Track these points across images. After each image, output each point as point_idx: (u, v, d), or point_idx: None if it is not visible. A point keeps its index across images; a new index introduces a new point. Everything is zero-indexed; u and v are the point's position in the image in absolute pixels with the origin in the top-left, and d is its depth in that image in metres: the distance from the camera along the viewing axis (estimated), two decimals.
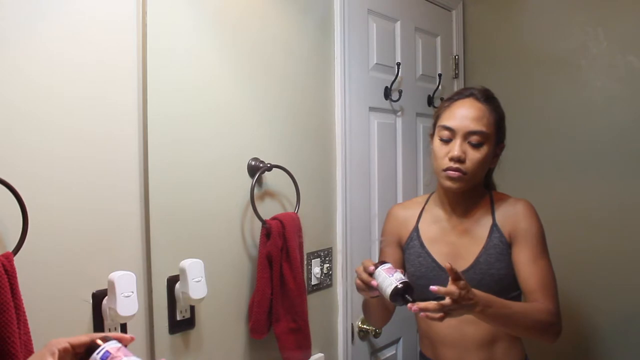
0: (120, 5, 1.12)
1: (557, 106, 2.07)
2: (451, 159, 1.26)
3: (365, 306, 1.45)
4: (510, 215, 1.32)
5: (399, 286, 1.13)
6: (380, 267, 1.18)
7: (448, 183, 1.29)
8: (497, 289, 1.27)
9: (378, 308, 1.38)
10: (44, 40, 0.99)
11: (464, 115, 1.29)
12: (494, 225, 1.32)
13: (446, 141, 1.29)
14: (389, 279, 1.15)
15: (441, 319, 1.08)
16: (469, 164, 1.27)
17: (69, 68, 1.03)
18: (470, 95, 1.32)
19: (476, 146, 1.27)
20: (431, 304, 1.07)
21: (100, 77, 1.08)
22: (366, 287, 1.20)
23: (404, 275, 1.18)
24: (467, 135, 1.27)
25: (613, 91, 1.99)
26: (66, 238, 1.02)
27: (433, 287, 1.08)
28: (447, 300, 1.07)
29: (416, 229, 1.39)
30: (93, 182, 1.07)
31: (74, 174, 1.04)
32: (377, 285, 1.17)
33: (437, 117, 1.36)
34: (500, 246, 1.29)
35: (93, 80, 1.07)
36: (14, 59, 0.96)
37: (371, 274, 1.19)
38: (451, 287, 1.07)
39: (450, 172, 1.27)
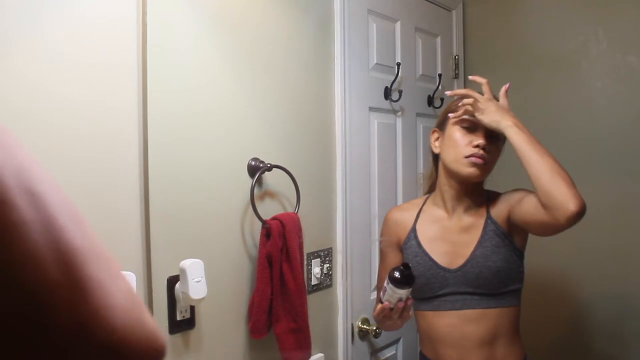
0: (120, 5, 1.12)
1: (557, 106, 2.07)
2: (477, 146, 1.29)
3: (381, 323, 1.42)
4: (501, 202, 1.35)
5: (396, 275, 1.20)
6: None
7: (470, 169, 1.29)
8: (495, 282, 1.28)
9: (396, 324, 1.37)
10: (44, 40, 1.00)
11: None
12: (489, 217, 1.33)
13: (469, 129, 1.31)
14: (387, 285, 1.22)
15: (471, 109, 1.28)
16: (490, 155, 1.30)
17: (69, 68, 1.03)
18: None
19: (496, 140, 1.31)
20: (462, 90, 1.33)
21: (100, 77, 1.08)
22: (387, 312, 1.24)
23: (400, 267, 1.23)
24: (489, 129, 1.30)
25: (613, 91, 1.98)
26: None
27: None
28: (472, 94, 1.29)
29: (413, 230, 1.39)
30: (93, 181, 1.07)
31: (73, 173, 1.04)
32: (386, 293, 1.23)
33: (448, 111, 1.38)
34: (496, 239, 1.30)
35: (93, 80, 1.07)
36: (14, 59, 0.96)
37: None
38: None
39: (475, 159, 1.28)
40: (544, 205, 1.18)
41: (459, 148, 1.30)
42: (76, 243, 0.32)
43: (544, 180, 1.18)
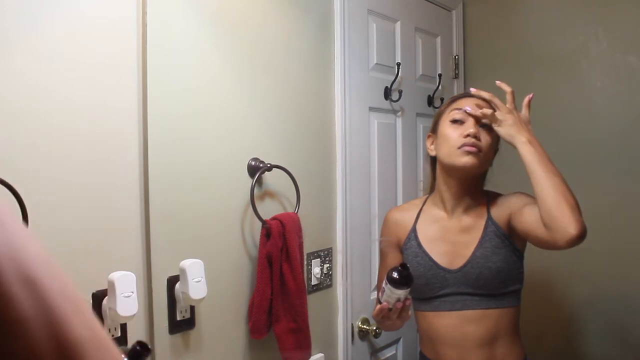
0: (120, 5, 1.12)
1: (557, 106, 2.07)
2: (467, 136, 1.29)
3: (380, 323, 1.41)
4: (503, 204, 1.35)
5: (394, 275, 1.20)
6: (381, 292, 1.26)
7: (465, 159, 1.29)
8: (495, 282, 1.29)
9: (396, 325, 1.37)
10: (44, 40, 1.00)
11: (474, 103, 1.33)
12: (489, 218, 1.33)
13: (458, 122, 1.32)
14: (386, 285, 1.22)
15: (492, 115, 1.27)
16: (483, 142, 1.30)
17: (69, 68, 1.03)
18: (473, 96, 1.36)
19: (488, 130, 1.31)
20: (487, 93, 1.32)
21: (100, 77, 1.08)
22: (386, 312, 1.23)
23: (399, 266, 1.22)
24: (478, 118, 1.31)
25: (613, 91, 1.98)
26: (66, 238, 1.02)
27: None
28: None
29: (414, 230, 1.39)
30: (93, 181, 1.07)
31: (74, 173, 1.04)
32: (384, 293, 1.22)
33: (441, 113, 1.39)
34: (496, 239, 1.30)
35: (93, 80, 1.07)
36: (14, 59, 0.96)
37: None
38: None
39: (468, 147, 1.28)
40: (545, 224, 1.18)
41: (451, 141, 1.31)
42: (77, 335, 0.31)
43: (548, 200, 1.19)
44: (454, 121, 1.32)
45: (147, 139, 1.15)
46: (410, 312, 1.28)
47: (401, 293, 1.20)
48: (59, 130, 1.02)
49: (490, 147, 1.32)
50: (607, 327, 1.98)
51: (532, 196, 1.26)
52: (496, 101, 1.30)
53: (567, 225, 1.15)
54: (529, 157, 1.23)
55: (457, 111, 1.33)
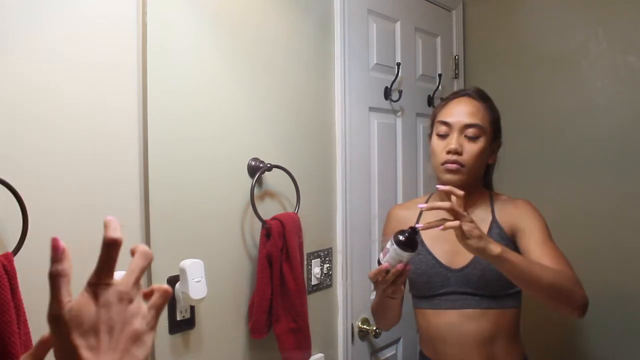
0: (120, 5, 1.12)
1: (557, 106, 2.07)
2: (449, 152, 1.29)
3: (377, 308, 1.44)
4: (511, 211, 1.34)
5: (401, 238, 1.16)
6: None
7: (447, 176, 1.30)
8: (498, 284, 1.29)
9: (390, 308, 1.38)
10: (44, 40, 1.00)
11: (460, 110, 1.33)
12: (494, 221, 1.33)
13: (443, 136, 1.33)
14: (391, 247, 1.18)
15: (458, 228, 1.12)
16: (466, 156, 1.30)
17: (69, 68, 1.03)
18: (466, 94, 1.37)
19: (473, 139, 1.30)
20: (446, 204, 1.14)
21: (100, 77, 1.08)
22: (382, 275, 1.18)
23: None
24: (463, 128, 1.31)
25: (613, 91, 1.99)
26: (66, 238, 1.01)
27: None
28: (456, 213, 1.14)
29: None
30: (93, 181, 1.07)
31: (74, 173, 1.04)
32: (388, 254, 1.18)
33: (434, 116, 1.40)
34: (500, 242, 1.30)
35: (93, 80, 1.07)
36: (14, 58, 0.96)
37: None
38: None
39: (449, 165, 1.29)
40: (553, 307, 1.27)
41: (436, 156, 1.33)
42: None
43: (549, 302, 1.25)
44: (439, 135, 1.33)
45: (147, 139, 1.15)
46: (404, 287, 1.25)
47: (405, 256, 1.16)
48: (59, 130, 1.02)
49: (477, 157, 1.31)
50: (606, 327, 1.98)
51: (540, 223, 1.30)
52: (457, 210, 1.15)
53: (572, 313, 1.27)
54: (511, 271, 1.17)
55: (441, 124, 1.33)
